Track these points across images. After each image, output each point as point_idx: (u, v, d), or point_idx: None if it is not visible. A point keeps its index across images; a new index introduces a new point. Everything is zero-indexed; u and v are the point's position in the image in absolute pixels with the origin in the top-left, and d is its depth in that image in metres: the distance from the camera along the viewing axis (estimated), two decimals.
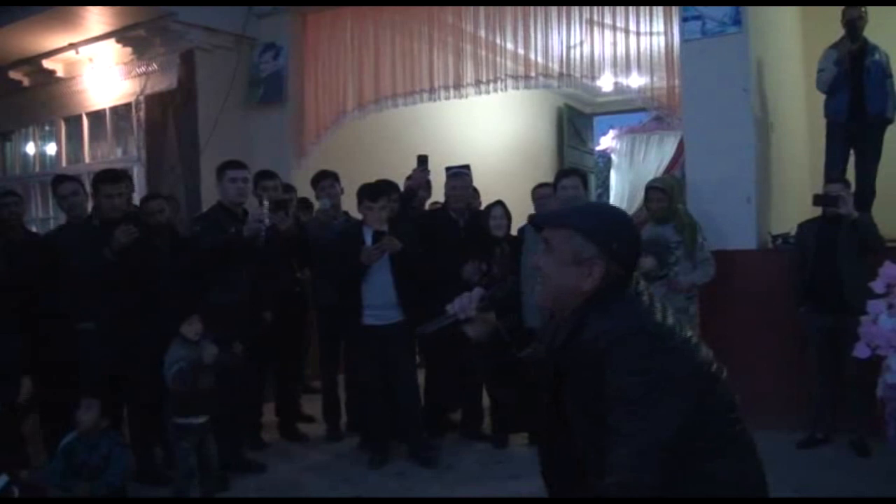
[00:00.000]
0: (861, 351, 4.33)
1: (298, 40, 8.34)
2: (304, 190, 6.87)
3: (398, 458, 5.36)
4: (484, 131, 11.12)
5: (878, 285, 4.31)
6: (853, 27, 6.15)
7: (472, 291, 2.16)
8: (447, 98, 7.93)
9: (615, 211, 2.13)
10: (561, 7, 7.14)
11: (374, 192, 5.42)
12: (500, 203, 5.81)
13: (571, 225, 1.99)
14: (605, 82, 7.93)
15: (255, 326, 5.29)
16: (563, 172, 6.04)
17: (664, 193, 5.58)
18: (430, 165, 6.24)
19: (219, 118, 7.80)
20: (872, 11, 6.32)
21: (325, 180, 6.21)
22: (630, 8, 6.79)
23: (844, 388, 5.19)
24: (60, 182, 5.37)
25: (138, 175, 8.24)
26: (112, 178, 5.13)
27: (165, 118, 8.06)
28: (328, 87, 8.23)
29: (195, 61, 7.88)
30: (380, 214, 5.36)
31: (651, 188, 5.68)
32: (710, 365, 1.93)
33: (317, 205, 6.45)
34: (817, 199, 5.38)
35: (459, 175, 6.01)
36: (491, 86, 7.72)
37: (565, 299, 1.98)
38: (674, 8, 6.44)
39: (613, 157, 13.79)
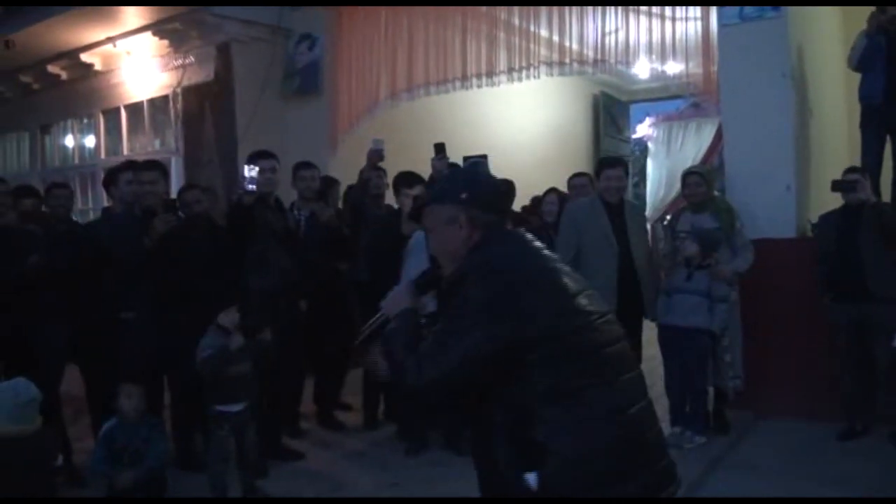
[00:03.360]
0: None
1: (333, 31, 8.38)
2: (340, 178, 6.88)
3: (434, 446, 5.38)
4: (519, 119, 11.07)
5: None
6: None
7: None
8: (479, 86, 7.93)
9: (458, 170, 2.55)
10: None
11: (411, 179, 5.45)
12: (553, 190, 5.84)
13: (429, 202, 2.26)
14: (641, 69, 7.87)
15: (291, 314, 5.31)
16: (607, 162, 5.94)
17: (702, 178, 5.52)
18: (467, 154, 6.24)
19: (255, 109, 7.86)
20: None
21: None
22: None
23: (877, 378, 5.11)
24: (121, 171, 5.30)
25: (176, 166, 8.32)
26: (146, 165, 5.20)
27: (202, 110, 8.15)
28: (362, 76, 8.26)
29: (231, 53, 7.95)
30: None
31: (689, 174, 5.62)
32: (556, 314, 1.99)
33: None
34: (835, 185, 5.30)
35: (477, 165, 6.00)
36: (524, 73, 7.70)
37: (460, 255, 2.16)
38: None
39: (650, 144, 13.64)
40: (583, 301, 2.06)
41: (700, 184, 5.48)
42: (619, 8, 7.01)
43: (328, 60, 8.28)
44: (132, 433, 4.17)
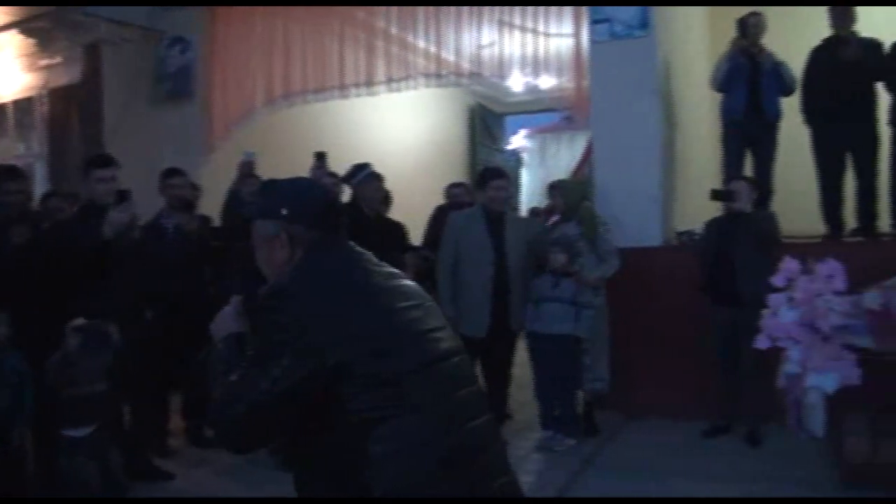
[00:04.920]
0: (762, 343, 4.49)
1: (207, 34, 8.21)
2: (215, 187, 6.75)
3: None
4: (397, 129, 11.12)
5: (778, 279, 4.48)
6: (744, 25, 6.40)
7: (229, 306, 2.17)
8: (358, 95, 7.92)
9: (279, 182, 2.19)
10: (472, 6, 7.21)
11: None
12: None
13: (252, 216, 2.12)
14: (515, 82, 8.05)
15: (139, 325, 5.10)
16: (492, 173, 5.97)
17: (559, 191, 5.81)
18: (345, 164, 6.20)
19: (124, 114, 7.63)
20: (773, 20, 6.59)
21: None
22: (540, 10, 6.91)
23: (741, 380, 5.39)
24: None
25: (41, 171, 7.98)
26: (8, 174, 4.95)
27: (69, 113, 7.85)
28: (237, 81, 8.12)
29: (100, 54, 7.68)
30: None
31: (551, 186, 5.86)
32: (373, 331, 1.88)
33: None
34: (714, 195, 5.58)
35: (379, 176, 5.98)
36: (403, 83, 7.74)
37: (284, 274, 2.04)
38: (583, 11, 6.58)
39: (524, 155, 13.99)
40: (412, 315, 1.96)
41: (556, 196, 5.76)
42: (495, 21, 7.16)
43: (202, 64, 8.10)
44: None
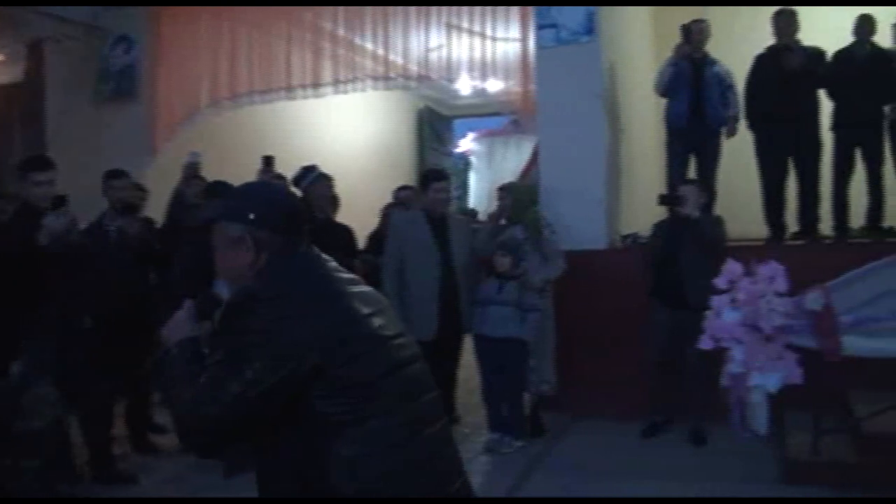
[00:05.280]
0: (705, 343, 4.58)
1: (152, 33, 8.10)
2: (159, 188, 6.65)
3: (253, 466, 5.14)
4: (344, 131, 11.07)
5: (721, 281, 4.57)
6: (688, 32, 6.53)
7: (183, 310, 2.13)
8: (304, 97, 7.88)
9: (251, 185, 2.21)
10: (420, 8, 7.21)
11: (222, 191, 5.24)
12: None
13: (217, 217, 2.10)
14: (463, 85, 8.07)
15: (74, 331, 4.98)
16: (433, 175, 6.01)
17: (508, 193, 5.85)
18: (291, 166, 6.15)
19: (67, 114, 7.47)
20: (716, 27, 6.73)
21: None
22: (488, 14, 6.94)
23: (684, 380, 5.46)
24: None
25: None
26: None
27: (11, 112, 7.66)
28: (182, 82, 8.02)
29: (43, 53, 7.51)
30: None
31: (500, 189, 5.90)
32: (342, 339, 1.90)
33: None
34: (662, 199, 5.66)
35: (328, 177, 5.92)
36: (350, 86, 7.72)
37: (245, 279, 2.03)
38: (530, 15, 6.62)
39: (472, 159, 14.03)
40: (376, 322, 1.98)
41: (505, 198, 5.81)
42: (443, 25, 7.17)
43: (146, 64, 7.97)
44: None
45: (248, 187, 2.17)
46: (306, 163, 6.06)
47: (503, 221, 5.88)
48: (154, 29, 8.11)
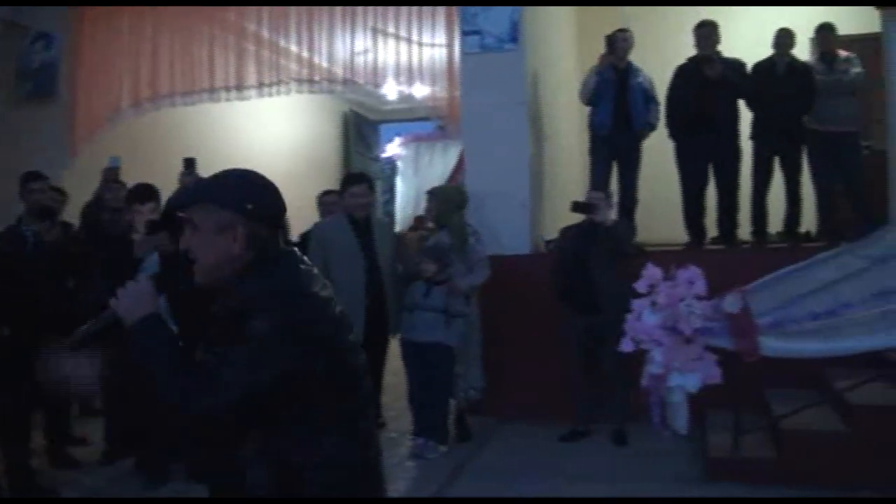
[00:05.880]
0: (626, 345, 4.65)
1: (73, 31, 7.88)
2: (78, 192, 6.47)
3: (176, 478, 4.86)
4: (269, 134, 10.95)
5: (640, 285, 4.65)
6: (612, 42, 6.64)
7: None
8: (228, 100, 7.77)
9: (248, 174, 2.10)
10: (346, 9, 7.17)
11: (145, 194, 5.13)
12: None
13: (207, 198, 1.98)
14: (390, 90, 8.06)
15: None
16: (351, 179, 6.00)
17: (435, 198, 5.85)
18: (213, 169, 6.04)
19: None
20: (640, 38, 6.86)
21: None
22: (414, 19, 6.95)
23: (603, 383, 5.55)
24: None
25: None
26: None
27: None
28: (102, 82, 7.84)
29: None
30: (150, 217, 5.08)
31: (429, 193, 5.91)
32: (339, 342, 1.94)
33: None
34: (575, 206, 5.71)
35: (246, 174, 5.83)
36: (274, 88, 7.64)
37: (222, 270, 1.94)
38: (455, 21, 6.65)
39: (399, 164, 14.01)
40: (346, 329, 2.00)
41: (432, 203, 5.82)
42: (369, 29, 7.16)
43: (66, 63, 7.75)
44: None
45: (243, 175, 2.07)
46: (228, 167, 5.96)
47: (430, 224, 5.90)
48: (75, 27, 7.90)
